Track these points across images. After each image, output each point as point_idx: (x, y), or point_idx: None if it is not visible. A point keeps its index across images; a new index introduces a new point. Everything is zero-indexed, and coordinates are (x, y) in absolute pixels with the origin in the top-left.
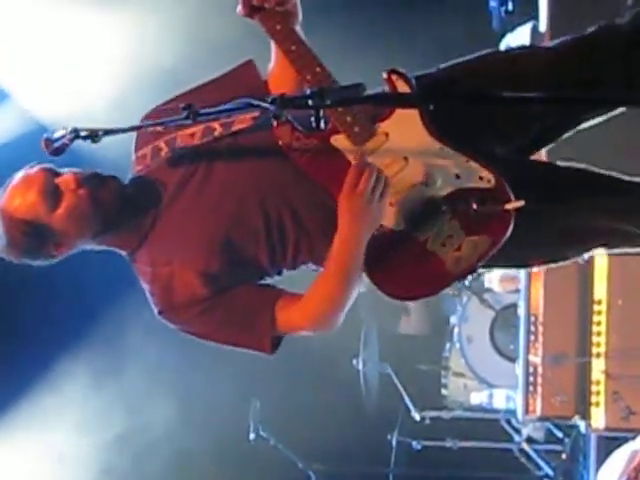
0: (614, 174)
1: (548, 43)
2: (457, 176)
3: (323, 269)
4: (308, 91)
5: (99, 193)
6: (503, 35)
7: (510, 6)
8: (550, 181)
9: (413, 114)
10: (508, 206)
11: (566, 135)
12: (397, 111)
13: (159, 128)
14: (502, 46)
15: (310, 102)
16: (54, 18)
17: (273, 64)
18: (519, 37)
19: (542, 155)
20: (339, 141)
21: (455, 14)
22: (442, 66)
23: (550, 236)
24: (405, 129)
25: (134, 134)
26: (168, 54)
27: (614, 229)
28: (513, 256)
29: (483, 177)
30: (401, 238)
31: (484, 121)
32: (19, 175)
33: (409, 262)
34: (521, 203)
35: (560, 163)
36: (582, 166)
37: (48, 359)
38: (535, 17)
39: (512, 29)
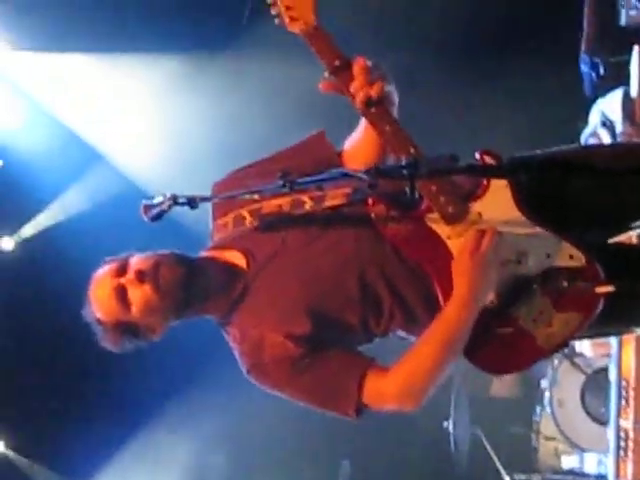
0: None
1: None
2: (548, 255)
3: (423, 336)
4: (403, 162)
5: (163, 283)
6: (595, 99)
7: (602, 70)
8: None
9: (505, 194)
10: (599, 290)
11: None
12: (490, 190)
13: (254, 196)
14: (593, 110)
15: (404, 172)
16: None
17: (354, 139)
18: (611, 102)
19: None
20: (433, 221)
21: (547, 79)
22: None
23: (638, 312)
24: (498, 208)
25: (210, 205)
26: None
27: None
28: (601, 328)
29: (573, 256)
30: (494, 315)
31: (577, 203)
32: (93, 280)
33: (500, 338)
34: (611, 288)
35: None
36: None
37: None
38: (627, 82)
39: (604, 94)
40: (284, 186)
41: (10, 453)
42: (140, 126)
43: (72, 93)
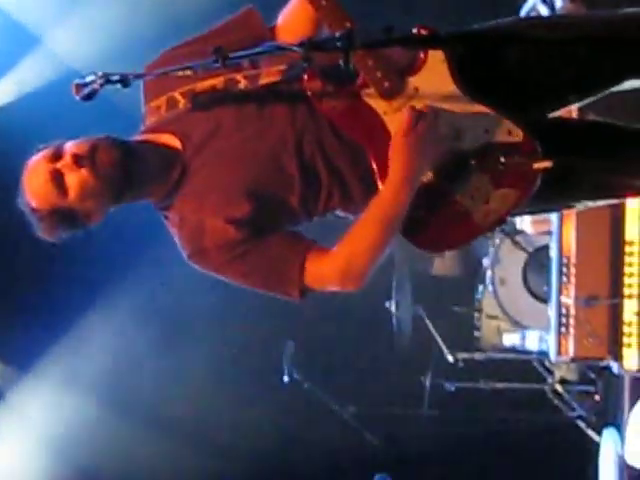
0: None
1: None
2: (486, 130)
3: (363, 215)
4: (337, 34)
5: (100, 167)
6: None
7: None
8: (579, 138)
9: (442, 68)
10: (536, 165)
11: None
12: (427, 65)
13: (186, 73)
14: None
15: (339, 44)
16: None
17: (286, 13)
18: None
19: (573, 110)
20: (369, 96)
21: None
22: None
23: (579, 188)
24: (434, 83)
25: (141, 85)
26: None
27: None
28: (540, 205)
29: (511, 131)
30: (431, 192)
31: (514, 78)
32: (26, 168)
33: (437, 215)
34: (549, 163)
35: (591, 118)
36: (609, 122)
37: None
38: None
39: None
40: (217, 61)
41: None
42: (75, 9)
43: None
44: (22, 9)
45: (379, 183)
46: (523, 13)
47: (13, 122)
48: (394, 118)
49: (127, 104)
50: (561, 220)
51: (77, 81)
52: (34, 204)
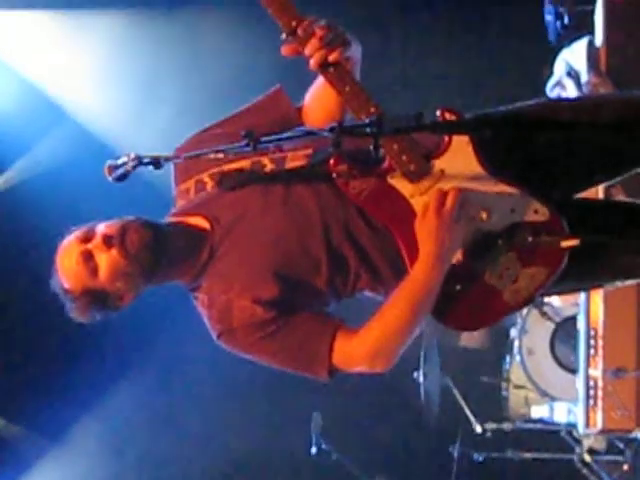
0: None
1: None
2: (512, 210)
3: (392, 297)
4: (366, 120)
5: (130, 247)
6: (560, 49)
7: (566, 20)
8: (605, 217)
9: (467, 150)
10: (564, 244)
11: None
12: (452, 147)
13: (217, 156)
14: (558, 60)
15: (369, 130)
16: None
17: (312, 96)
18: (576, 52)
19: (599, 190)
20: (396, 180)
21: (510, 29)
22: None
23: (607, 269)
24: (460, 164)
25: (170, 168)
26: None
27: None
28: (569, 284)
29: (538, 211)
30: (459, 272)
31: (540, 160)
32: (59, 249)
33: (467, 295)
34: (576, 242)
35: (618, 197)
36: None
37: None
38: (591, 32)
39: (568, 43)
40: (248, 145)
41: None
42: (103, 82)
43: (34, 51)
44: (51, 83)
45: (408, 266)
46: (549, 87)
47: (41, 197)
48: (421, 200)
49: (160, 183)
50: (589, 292)
51: (110, 162)
52: (66, 285)
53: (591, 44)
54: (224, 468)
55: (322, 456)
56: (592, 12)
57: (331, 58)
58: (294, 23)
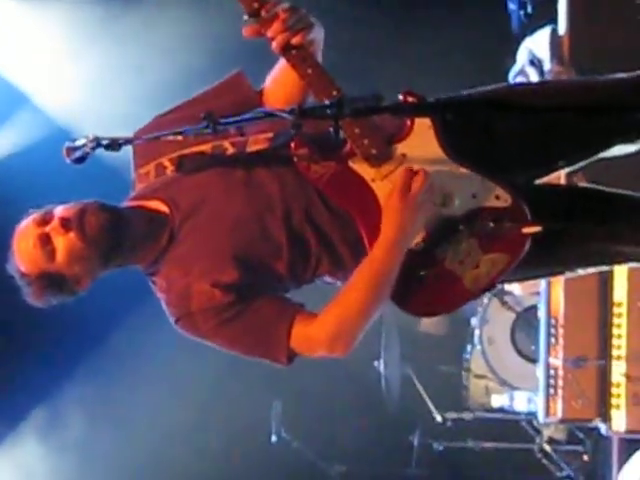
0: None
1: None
2: (474, 195)
3: (351, 280)
4: (327, 101)
5: (88, 230)
6: (522, 37)
7: (529, 9)
8: (567, 203)
9: (429, 134)
10: (525, 230)
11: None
12: (413, 132)
13: (177, 137)
14: (521, 48)
15: (329, 112)
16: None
17: (273, 78)
18: (538, 40)
19: (561, 176)
20: (357, 164)
21: (473, 17)
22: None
23: (568, 256)
24: (422, 149)
25: (130, 152)
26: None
27: (630, 247)
28: (530, 271)
29: (500, 196)
30: (419, 257)
31: (502, 144)
32: (16, 232)
33: (427, 281)
34: (538, 228)
35: (580, 184)
36: (598, 187)
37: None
38: (554, 20)
39: (531, 32)
40: (207, 126)
41: None
42: (63, 69)
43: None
44: (12, 67)
45: (368, 249)
46: (511, 75)
47: (2, 181)
48: (382, 185)
49: (119, 166)
50: (549, 281)
51: (68, 144)
52: (23, 268)
53: (554, 32)
54: (184, 457)
55: (282, 444)
56: (555, 1)
57: (294, 41)
58: (256, 5)
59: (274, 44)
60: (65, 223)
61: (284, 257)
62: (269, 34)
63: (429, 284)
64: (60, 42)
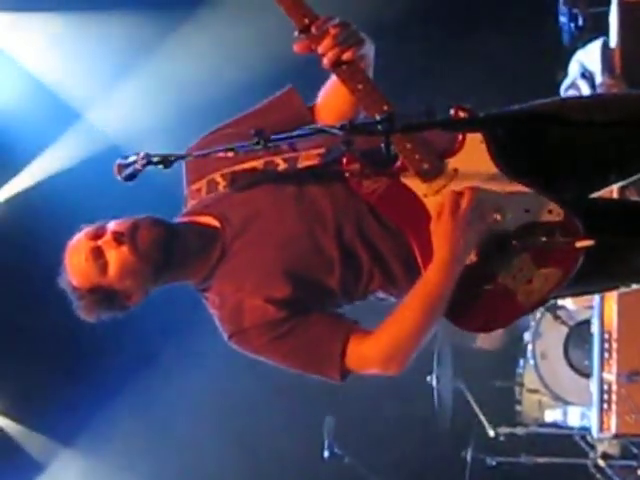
0: None
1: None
2: (526, 210)
3: (405, 300)
4: (377, 117)
5: (141, 245)
6: (574, 50)
7: (580, 21)
8: (620, 218)
9: (481, 149)
10: (578, 244)
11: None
12: (465, 146)
13: (228, 154)
14: (572, 61)
15: (380, 128)
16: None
17: (325, 95)
18: (590, 53)
19: (614, 190)
20: (409, 179)
21: (524, 30)
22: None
23: (622, 271)
24: (473, 164)
25: (184, 168)
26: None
27: None
28: (583, 286)
29: (552, 211)
30: (474, 273)
31: (554, 159)
32: (68, 246)
33: (481, 296)
34: (591, 242)
35: (632, 198)
36: None
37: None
38: (606, 33)
39: (583, 45)
40: (258, 143)
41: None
42: (117, 86)
43: (48, 53)
44: (64, 85)
45: (421, 266)
46: (563, 88)
47: (55, 197)
48: (434, 200)
49: (172, 184)
50: (603, 296)
51: (119, 161)
52: (74, 282)
53: (605, 45)
54: (238, 472)
55: (334, 460)
56: (606, 13)
57: (345, 56)
58: (307, 20)
59: (325, 60)
60: (118, 237)
61: (336, 272)
62: (320, 50)
63: (483, 300)
64: (111, 60)
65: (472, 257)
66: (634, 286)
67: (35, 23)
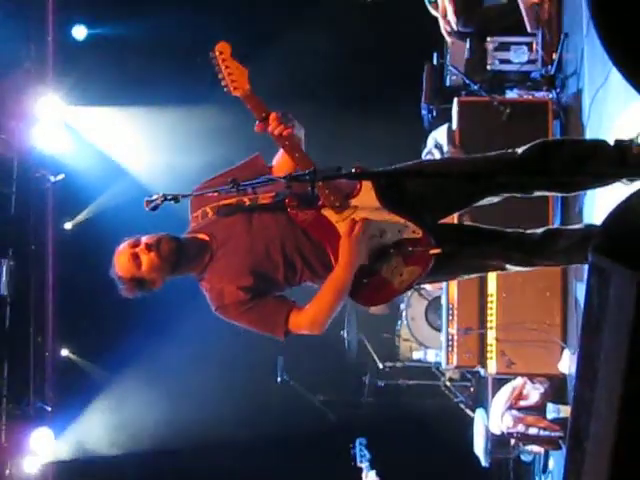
0: (496, 227)
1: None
2: (399, 231)
3: (323, 287)
4: (306, 172)
5: (162, 252)
6: (430, 131)
7: (434, 113)
8: (457, 235)
9: (371, 192)
10: (431, 252)
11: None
12: (362, 191)
13: (214, 194)
14: (429, 138)
15: (308, 178)
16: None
17: (277, 159)
18: (440, 132)
19: (454, 217)
20: (327, 212)
21: (399, 118)
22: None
23: (458, 268)
24: (367, 201)
25: (188, 202)
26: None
27: (497, 261)
28: (436, 277)
29: (415, 231)
30: (367, 270)
31: (416, 199)
32: (116, 251)
33: (371, 284)
34: (439, 251)
35: (464, 223)
36: (476, 225)
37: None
38: (450, 120)
39: (436, 127)
40: (233, 188)
41: (73, 357)
42: (150, 153)
43: (110, 133)
44: (114, 148)
45: (334, 265)
46: (423, 154)
47: (107, 222)
48: (343, 225)
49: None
50: (448, 282)
51: (146, 198)
52: (120, 273)
53: (450, 128)
54: (217, 393)
55: (284, 384)
56: (450, 109)
57: (284, 132)
58: (264, 114)
59: (274, 135)
60: (148, 247)
61: (280, 271)
62: (269, 129)
63: (372, 286)
64: (145, 135)
65: (365, 260)
66: (465, 277)
67: (102, 114)
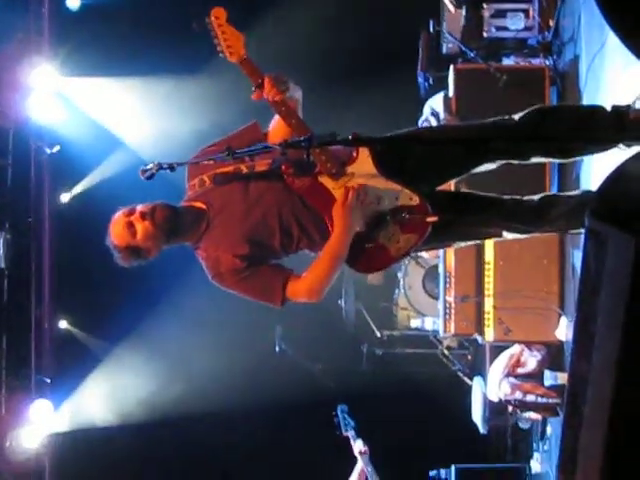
0: (493, 194)
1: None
2: (396, 198)
3: (320, 254)
4: (302, 138)
5: (157, 221)
6: (427, 99)
7: (431, 81)
8: (454, 202)
9: (368, 159)
10: (428, 219)
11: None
12: (359, 158)
13: (209, 162)
14: (426, 105)
15: (303, 144)
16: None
17: (272, 126)
18: (436, 100)
19: (451, 184)
20: (323, 179)
21: (397, 86)
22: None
23: (454, 235)
24: (364, 168)
25: (185, 170)
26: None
27: (494, 229)
28: (432, 244)
29: (412, 198)
30: (363, 237)
31: (413, 165)
32: (112, 220)
33: (368, 251)
34: (436, 218)
35: (461, 190)
36: (473, 192)
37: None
38: (446, 88)
39: (432, 95)
40: (228, 155)
41: (71, 328)
42: (145, 123)
43: (105, 103)
44: (109, 118)
45: (331, 233)
46: (420, 122)
47: (103, 192)
48: (339, 192)
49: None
50: (445, 249)
51: (141, 167)
52: (115, 242)
53: (446, 96)
54: (218, 361)
55: (282, 353)
56: (446, 76)
57: (277, 97)
58: (260, 80)
59: (269, 100)
60: (143, 215)
61: (277, 238)
62: (264, 94)
63: (369, 253)
64: (140, 105)
65: (362, 227)
66: (461, 244)
67: (99, 84)
